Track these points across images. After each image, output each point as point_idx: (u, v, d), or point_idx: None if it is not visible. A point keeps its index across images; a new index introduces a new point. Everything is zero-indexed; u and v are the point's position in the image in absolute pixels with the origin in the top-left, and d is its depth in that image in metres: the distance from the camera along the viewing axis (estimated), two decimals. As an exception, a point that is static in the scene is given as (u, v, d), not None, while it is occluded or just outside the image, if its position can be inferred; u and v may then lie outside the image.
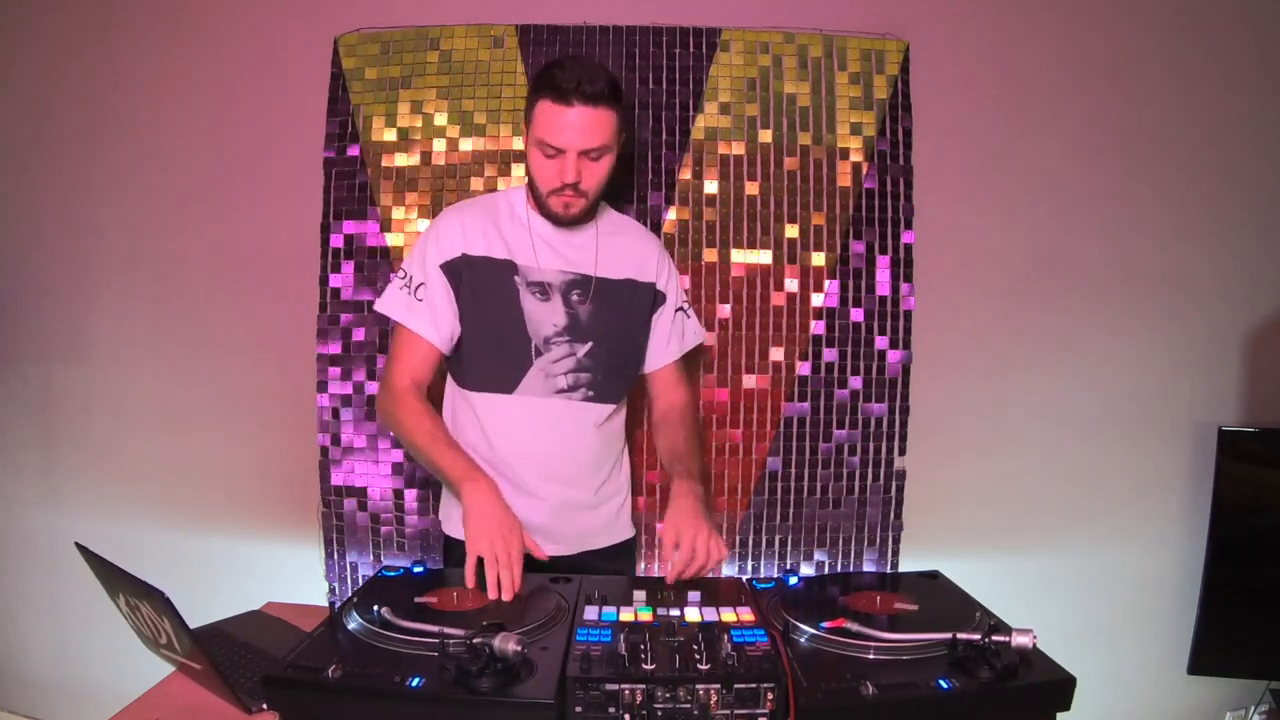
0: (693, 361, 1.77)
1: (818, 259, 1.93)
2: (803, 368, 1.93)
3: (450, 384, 1.53)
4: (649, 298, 1.54)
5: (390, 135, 1.93)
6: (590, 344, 1.46)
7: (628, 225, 1.59)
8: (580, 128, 1.31)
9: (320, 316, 1.94)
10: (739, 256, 1.92)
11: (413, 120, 1.93)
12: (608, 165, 1.39)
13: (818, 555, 1.96)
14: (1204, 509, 1.91)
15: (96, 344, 2.09)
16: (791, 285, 1.92)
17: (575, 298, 1.45)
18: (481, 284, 1.43)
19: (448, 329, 1.44)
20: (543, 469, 1.46)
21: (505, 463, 1.45)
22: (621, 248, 1.51)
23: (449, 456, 1.34)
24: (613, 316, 1.48)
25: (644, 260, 1.53)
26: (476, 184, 1.91)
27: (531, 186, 1.43)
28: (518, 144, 1.90)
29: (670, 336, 1.57)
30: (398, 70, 1.93)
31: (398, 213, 1.93)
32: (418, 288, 1.43)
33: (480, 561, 1.21)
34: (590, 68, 1.33)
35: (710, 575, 1.29)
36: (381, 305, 1.47)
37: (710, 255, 1.92)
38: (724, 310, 1.92)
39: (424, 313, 1.43)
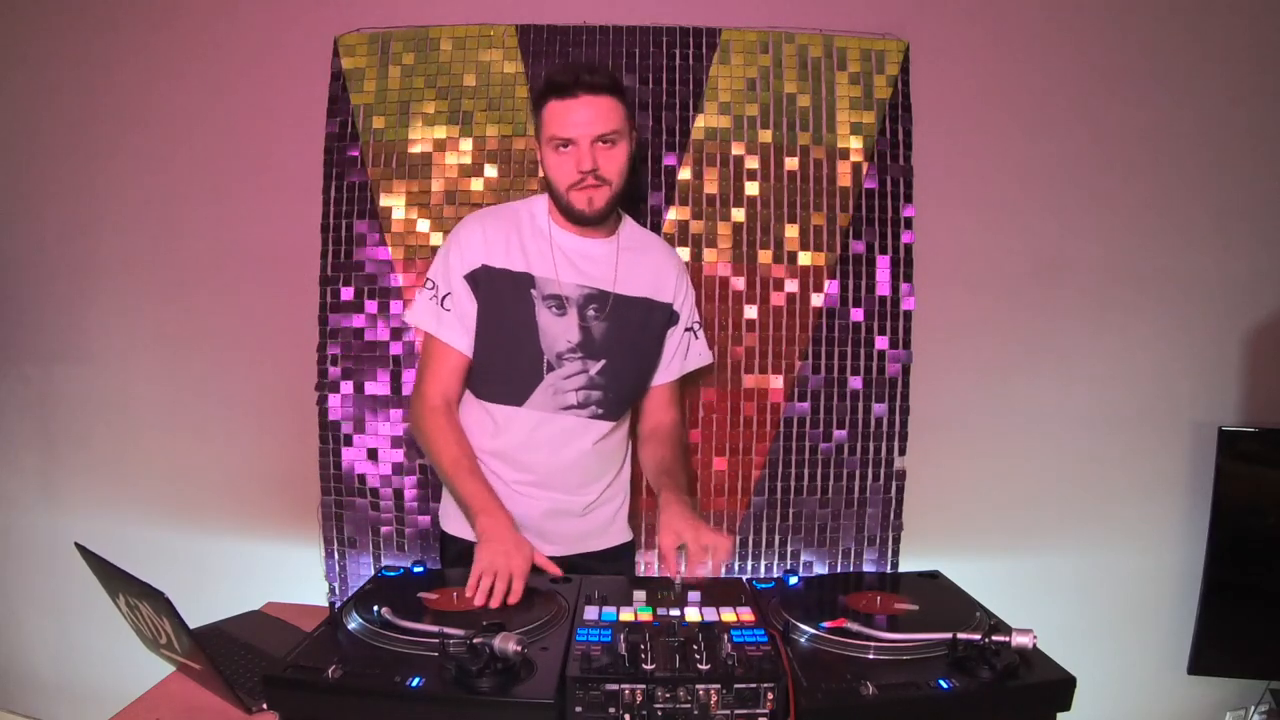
0: (690, 383, 1.77)
1: (818, 259, 1.93)
2: (803, 368, 1.93)
3: None
4: (664, 318, 1.53)
5: (390, 135, 1.93)
6: (603, 361, 1.45)
7: (649, 241, 1.57)
8: (588, 115, 1.33)
9: (320, 316, 1.94)
10: (739, 257, 1.92)
11: (412, 120, 1.93)
12: (624, 153, 1.38)
13: (818, 555, 1.96)
14: (1204, 509, 1.91)
15: (96, 344, 2.09)
16: (791, 285, 1.92)
17: (591, 313, 1.44)
18: (498, 296, 1.43)
19: (475, 337, 1.44)
20: (538, 478, 1.47)
21: (503, 461, 1.46)
22: (641, 264, 1.50)
23: (469, 486, 1.35)
24: (626, 334, 1.47)
25: (663, 279, 1.52)
26: (476, 184, 1.91)
27: (552, 191, 1.42)
28: (517, 144, 1.90)
29: (674, 356, 1.56)
30: (397, 70, 1.93)
31: (398, 213, 1.93)
32: (444, 298, 1.44)
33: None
34: (588, 62, 1.38)
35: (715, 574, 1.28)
36: (410, 317, 1.50)
37: (710, 255, 1.92)
38: (724, 311, 1.92)
39: (453, 323, 1.43)
